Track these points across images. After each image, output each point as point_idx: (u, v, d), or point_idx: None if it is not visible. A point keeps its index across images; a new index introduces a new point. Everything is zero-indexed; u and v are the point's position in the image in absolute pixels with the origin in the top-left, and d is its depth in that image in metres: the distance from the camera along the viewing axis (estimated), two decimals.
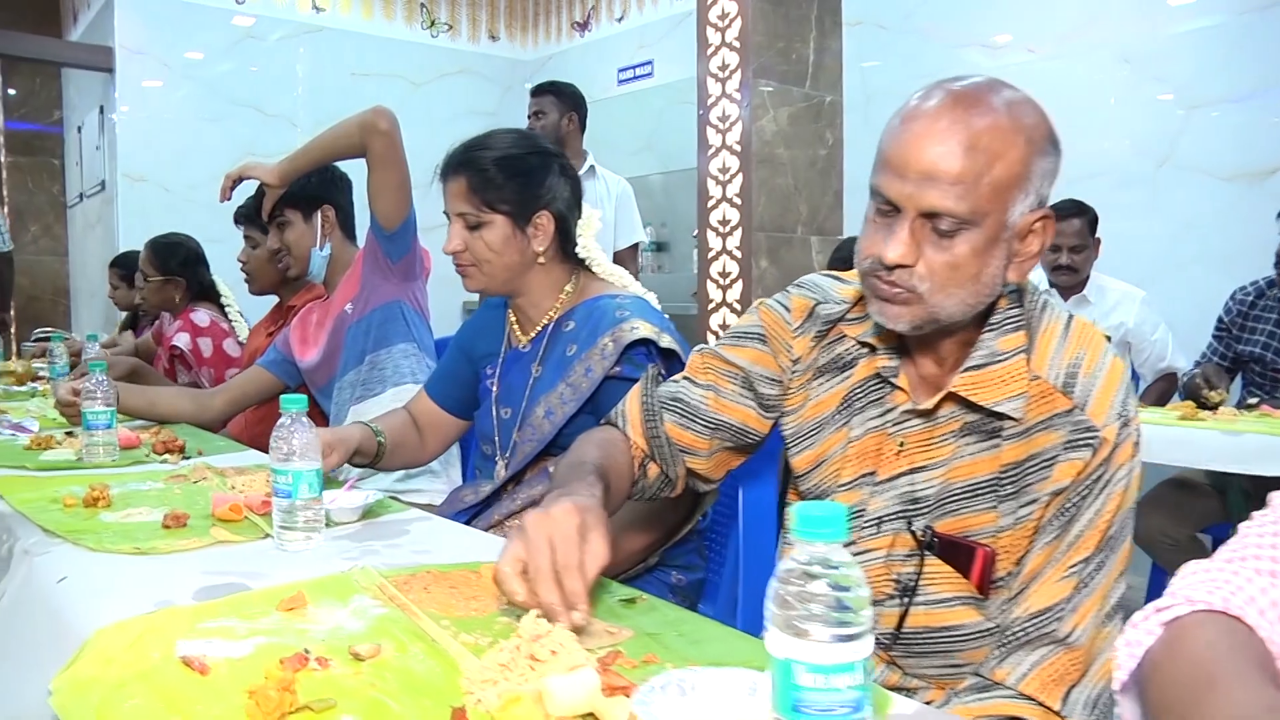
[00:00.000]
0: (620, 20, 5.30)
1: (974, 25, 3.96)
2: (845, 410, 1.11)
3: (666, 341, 1.41)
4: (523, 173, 1.47)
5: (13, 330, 6.22)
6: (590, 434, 1.14)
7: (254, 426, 2.27)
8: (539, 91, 3.56)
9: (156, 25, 4.78)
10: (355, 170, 2.06)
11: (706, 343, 1.19)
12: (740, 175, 4.11)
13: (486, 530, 1.48)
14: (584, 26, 5.51)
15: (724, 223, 4.15)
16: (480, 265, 1.48)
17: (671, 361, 1.45)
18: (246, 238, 2.42)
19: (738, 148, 4.14)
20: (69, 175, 6.17)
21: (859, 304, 1.11)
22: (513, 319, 1.58)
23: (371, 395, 1.98)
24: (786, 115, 4.26)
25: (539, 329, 1.53)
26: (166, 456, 1.66)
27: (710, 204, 4.16)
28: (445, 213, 1.49)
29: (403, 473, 1.91)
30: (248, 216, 2.38)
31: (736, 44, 4.13)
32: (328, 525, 1.18)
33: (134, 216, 4.72)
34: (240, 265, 2.41)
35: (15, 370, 3.07)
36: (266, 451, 2.07)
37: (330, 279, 2.15)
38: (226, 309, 2.96)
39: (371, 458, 1.51)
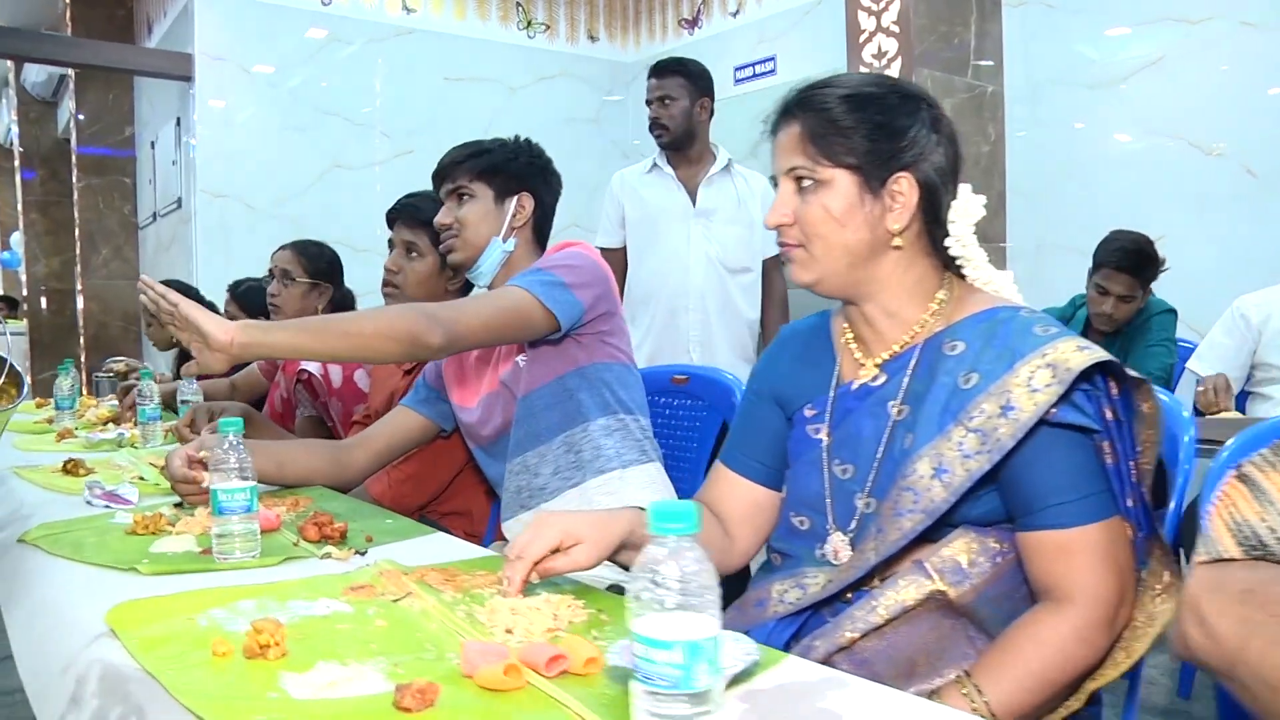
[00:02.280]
0: (735, 15, 4.81)
1: None
2: None
3: (1129, 373, 0.92)
4: (881, 113, 1.02)
5: (82, 359, 5.88)
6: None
7: (399, 485, 1.79)
8: (663, 71, 2.86)
9: (237, 30, 4.40)
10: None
11: None
12: None
13: (830, 657, 0.97)
14: (693, 24, 5.04)
15: None
16: (812, 243, 1.03)
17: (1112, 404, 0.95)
18: (406, 244, 1.91)
19: None
20: (141, 194, 5.83)
21: None
22: (849, 336, 1.10)
23: (570, 485, 1.49)
24: (949, 108, 3.70)
25: (896, 351, 1.04)
26: (327, 548, 1.17)
27: None
28: (772, 177, 1.08)
29: None
30: (410, 213, 1.88)
31: (895, 29, 3.61)
32: None
33: (213, 235, 4.30)
34: (385, 275, 1.91)
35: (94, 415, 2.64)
36: (417, 517, 1.61)
37: (497, 285, 1.66)
38: None
39: None
